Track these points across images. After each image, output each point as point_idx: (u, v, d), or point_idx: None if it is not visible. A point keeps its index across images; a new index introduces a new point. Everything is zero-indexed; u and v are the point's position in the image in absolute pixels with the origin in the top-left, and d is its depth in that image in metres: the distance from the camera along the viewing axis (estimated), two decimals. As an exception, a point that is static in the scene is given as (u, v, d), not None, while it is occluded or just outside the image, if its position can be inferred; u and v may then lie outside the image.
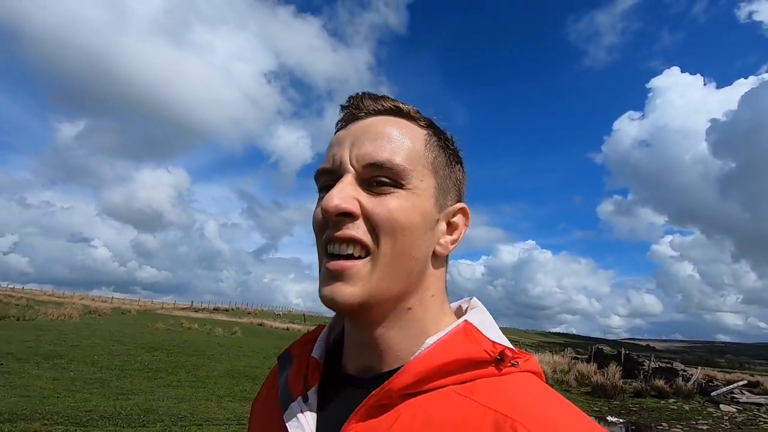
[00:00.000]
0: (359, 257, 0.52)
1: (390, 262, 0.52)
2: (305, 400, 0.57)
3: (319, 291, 0.53)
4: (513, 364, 0.52)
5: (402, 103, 0.59)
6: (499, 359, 0.51)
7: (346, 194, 0.52)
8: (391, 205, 0.53)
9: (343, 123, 0.60)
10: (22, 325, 17.21)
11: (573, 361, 20.42)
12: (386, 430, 0.49)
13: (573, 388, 15.77)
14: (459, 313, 0.63)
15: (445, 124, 0.62)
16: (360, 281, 0.52)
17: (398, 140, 0.55)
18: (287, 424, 0.56)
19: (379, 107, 0.58)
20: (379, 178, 0.53)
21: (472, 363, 0.51)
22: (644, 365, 17.72)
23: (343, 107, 0.60)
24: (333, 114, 0.62)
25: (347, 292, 0.51)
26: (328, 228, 0.54)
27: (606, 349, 22.51)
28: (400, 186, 0.54)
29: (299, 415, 0.56)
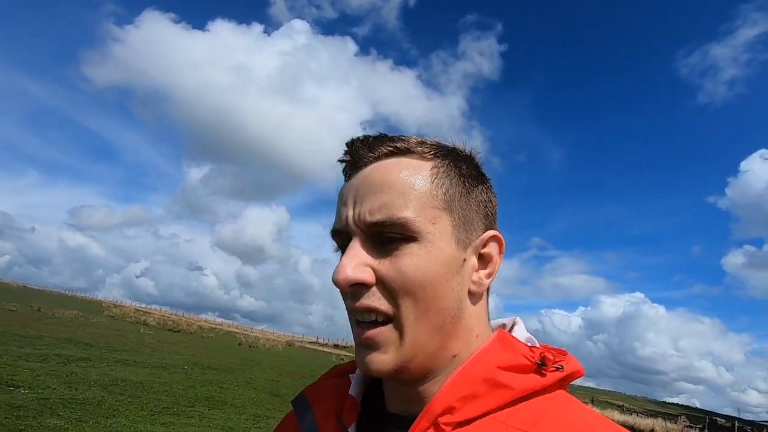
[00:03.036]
0: (384, 322, 0.50)
1: (416, 323, 0.49)
2: None
3: (357, 361, 0.53)
4: (557, 368, 0.50)
5: (399, 140, 0.54)
6: (541, 364, 0.49)
7: (356, 263, 0.50)
8: (404, 265, 0.49)
9: (347, 174, 0.57)
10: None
11: (686, 429, 22.39)
12: None
13: (684, 450, 18.45)
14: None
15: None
16: (390, 347, 0.50)
17: (399, 188, 0.51)
18: None
19: (378, 153, 0.54)
20: (387, 234, 0.50)
21: (513, 369, 0.49)
22: (758, 439, 19.55)
23: (341, 159, 0.57)
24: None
25: (380, 359, 0.50)
26: (347, 297, 0.52)
27: (721, 421, 23.93)
28: (412, 239, 0.49)
29: None
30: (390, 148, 0.54)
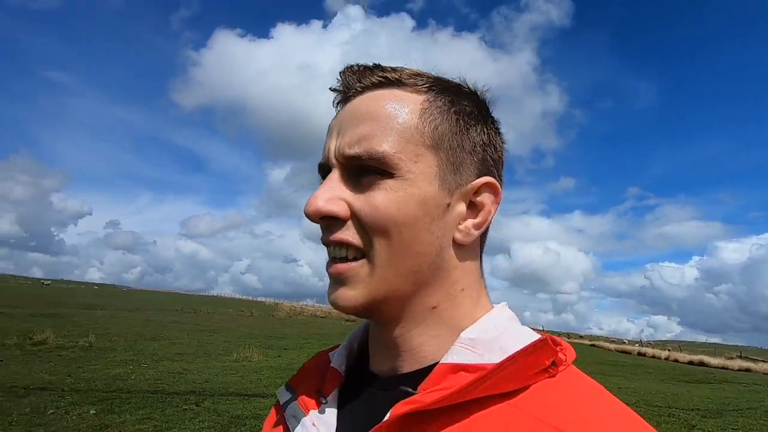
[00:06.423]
0: (355, 258, 0.48)
1: (388, 262, 0.47)
2: (321, 413, 0.53)
3: (328, 297, 0.51)
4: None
5: (391, 70, 0.51)
6: (554, 364, 0.45)
7: (330, 195, 0.48)
8: (377, 201, 0.46)
9: (336, 107, 0.54)
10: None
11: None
12: None
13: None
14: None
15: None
16: (359, 283, 0.48)
17: (381, 120, 0.48)
18: None
19: (367, 83, 0.51)
20: (365, 167, 0.47)
21: (534, 374, 0.44)
22: None
23: (331, 88, 0.54)
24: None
25: (348, 295, 0.48)
26: (322, 231, 0.50)
27: None
28: (389, 175, 0.47)
29: (311, 428, 0.52)
30: (380, 78, 0.51)
